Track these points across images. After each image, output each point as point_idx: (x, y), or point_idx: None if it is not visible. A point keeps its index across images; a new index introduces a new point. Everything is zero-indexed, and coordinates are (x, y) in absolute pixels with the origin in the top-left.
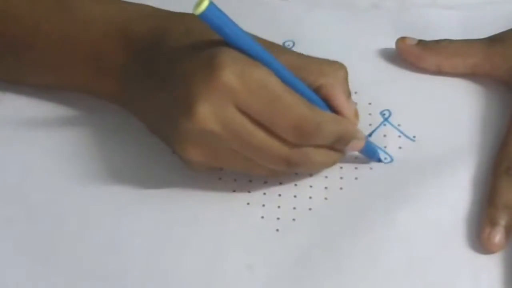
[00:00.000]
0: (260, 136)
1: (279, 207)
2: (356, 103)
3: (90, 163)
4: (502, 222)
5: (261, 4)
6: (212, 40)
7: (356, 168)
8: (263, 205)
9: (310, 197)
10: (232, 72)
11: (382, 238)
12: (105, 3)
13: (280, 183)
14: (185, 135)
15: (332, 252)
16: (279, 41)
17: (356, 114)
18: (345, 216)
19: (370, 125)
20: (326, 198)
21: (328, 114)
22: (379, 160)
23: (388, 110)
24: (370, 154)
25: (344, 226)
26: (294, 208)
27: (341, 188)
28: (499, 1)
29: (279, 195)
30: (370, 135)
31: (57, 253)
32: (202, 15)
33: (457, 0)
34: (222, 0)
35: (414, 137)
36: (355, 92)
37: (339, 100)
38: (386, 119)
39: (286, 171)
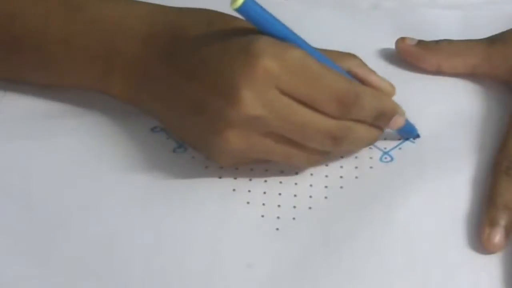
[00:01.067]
0: (305, 113)
1: (279, 206)
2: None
3: (92, 163)
4: (502, 222)
5: (261, 3)
6: (241, 28)
7: (356, 167)
8: (263, 204)
9: (310, 196)
10: (270, 56)
11: (382, 237)
12: (114, 2)
13: (280, 182)
14: (229, 123)
15: (332, 251)
16: None
17: (392, 87)
18: (345, 215)
19: None
20: (326, 197)
21: (367, 87)
22: (418, 136)
23: None
24: (408, 130)
25: (344, 225)
26: (294, 207)
27: (341, 187)
28: (499, 1)
29: (279, 194)
30: None
31: (57, 252)
32: (240, 9)
33: (457, 0)
34: (222, 0)
35: (414, 138)
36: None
37: (371, 76)
38: None
39: (330, 147)
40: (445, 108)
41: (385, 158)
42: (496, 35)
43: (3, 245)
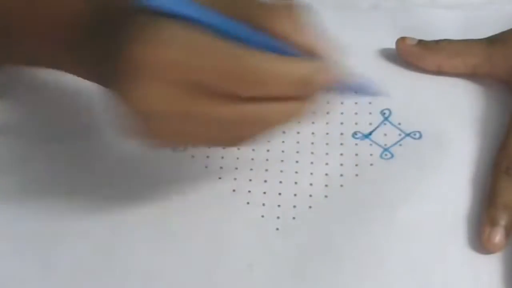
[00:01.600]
0: (204, 103)
1: (279, 206)
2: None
3: (90, 164)
4: (502, 222)
5: None
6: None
7: (356, 165)
8: (263, 204)
9: (310, 195)
10: (173, 46)
11: (382, 237)
12: None
13: (280, 182)
14: (149, 117)
15: (333, 250)
16: None
17: (324, 46)
18: (345, 214)
19: (370, 124)
20: (326, 196)
21: (286, 58)
22: (377, 94)
23: (388, 109)
24: (359, 87)
25: (344, 224)
26: (294, 206)
27: (341, 186)
28: (499, 1)
29: (279, 193)
30: (370, 133)
31: (57, 253)
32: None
33: (457, 0)
34: None
35: (414, 135)
36: (355, 92)
37: (295, 36)
38: (386, 118)
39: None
40: (445, 108)
41: (385, 155)
42: (496, 35)
43: (3, 246)
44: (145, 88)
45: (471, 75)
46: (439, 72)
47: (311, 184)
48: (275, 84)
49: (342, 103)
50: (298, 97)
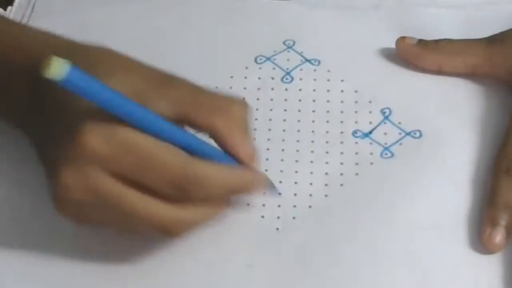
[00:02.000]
0: (131, 199)
1: (279, 206)
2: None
3: None
4: (503, 222)
5: (261, 4)
6: (79, 100)
7: (356, 163)
8: (263, 205)
9: (310, 195)
10: (95, 137)
11: (382, 237)
12: (8, 25)
13: (280, 182)
14: (57, 199)
15: (333, 250)
16: (279, 40)
17: (252, 157)
18: (345, 213)
19: (370, 123)
20: (326, 196)
21: (211, 165)
22: (279, 194)
23: (388, 108)
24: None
25: (344, 223)
26: (294, 206)
27: (341, 185)
28: (499, 1)
29: (279, 193)
30: (370, 132)
31: (56, 254)
32: (63, 81)
33: (457, 0)
34: (223, 1)
35: (414, 134)
36: (356, 91)
37: (232, 140)
38: (386, 117)
39: (165, 237)
40: (445, 108)
41: (386, 154)
42: (496, 34)
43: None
44: (65, 175)
45: (471, 75)
46: (439, 72)
47: (311, 184)
48: (215, 191)
49: (342, 101)
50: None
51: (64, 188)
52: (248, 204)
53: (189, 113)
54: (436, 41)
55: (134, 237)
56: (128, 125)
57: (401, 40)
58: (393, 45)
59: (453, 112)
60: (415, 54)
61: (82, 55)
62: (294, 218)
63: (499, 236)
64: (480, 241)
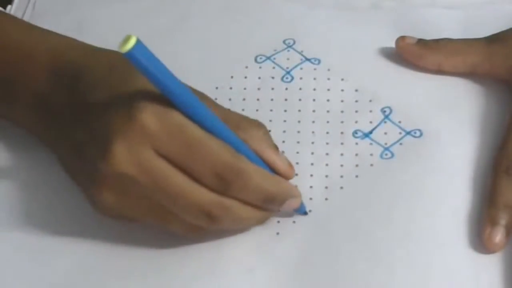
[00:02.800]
0: (180, 181)
1: (278, 210)
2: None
3: None
4: (503, 221)
5: (262, 3)
6: (135, 80)
7: (356, 165)
8: None
9: (311, 198)
10: (150, 115)
11: (382, 239)
12: (26, 29)
13: None
14: (101, 176)
15: (333, 254)
16: (279, 39)
17: (291, 167)
18: (345, 217)
19: (370, 122)
20: (326, 199)
21: (257, 166)
22: (306, 213)
23: (389, 107)
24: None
25: (344, 227)
26: (295, 210)
27: (341, 188)
28: (499, 1)
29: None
30: (371, 132)
31: (56, 254)
32: (128, 53)
33: (457, 0)
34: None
35: (415, 133)
36: (356, 90)
37: (266, 153)
38: (386, 116)
39: (206, 225)
40: (445, 107)
41: (386, 154)
42: (496, 34)
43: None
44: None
45: (471, 74)
46: (439, 71)
47: (311, 187)
48: (256, 193)
49: (342, 101)
50: (266, 208)
51: (114, 162)
52: None
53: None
54: (436, 41)
55: (135, 241)
56: (179, 112)
57: (401, 39)
58: (393, 45)
59: (453, 112)
60: (415, 53)
61: (107, 56)
62: (294, 222)
63: (499, 236)
64: (480, 240)
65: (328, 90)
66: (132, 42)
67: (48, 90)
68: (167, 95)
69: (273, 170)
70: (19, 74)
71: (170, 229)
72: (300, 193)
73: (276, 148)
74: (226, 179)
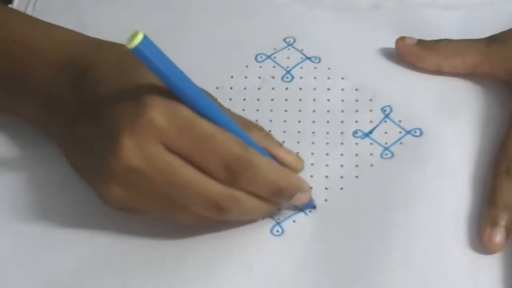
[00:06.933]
0: (188, 173)
1: (279, 209)
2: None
3: None
4: (503, 222)
5: (262, 2)
6: (143, 75)
7: (356, 165)
8: None
9: None
10: (159, 110)
11: (382, 239)
12: (33, 24)
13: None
14: (109, 170)
15: (332, 254)
16: (280, 38)
17: (300, 162)
18: (345, 217)
19: (371, 122)
20: (326, 200)
21: (266, 158)
22: (314, 207)
23: (389, 106)
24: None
25: (344, 227)
26: (295, 210)
27: (341, 188)
28: (499, 1)
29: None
30: (371, 132)
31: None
32: (136, 49)
33: (457, 0)
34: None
35: (415, 133)
36: (356, 89)
37: (274, 149)
38: (387, 116)
39: (214, 216)
40: (445, 108)
41: (386, 154)
42: (496, 34)
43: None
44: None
45: (470, 75)
46: (439, 72)
47: (311, 188)
48: (266, 185)
49: (342, 100)
50: (274, 201)
51: (123, 156)
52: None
53: None
54: (436, 41)
55: (135, 238)
56: (187, 107)
57: (401, 40)
58: (393, 44)
59: (452, 112)
60: (415, 54)
61: (113, 50)
62: (294, 221)
63: (499, 236)
64: (480, 241)
65: (328, 89)
66: (139, 38)
67: (54, 85)
68: (175, 90)
69: (282, 164)
70: (25, 69)
71: (179, 221)
72: (310, 187)
73: (280, 144)
74: (235, 171)
